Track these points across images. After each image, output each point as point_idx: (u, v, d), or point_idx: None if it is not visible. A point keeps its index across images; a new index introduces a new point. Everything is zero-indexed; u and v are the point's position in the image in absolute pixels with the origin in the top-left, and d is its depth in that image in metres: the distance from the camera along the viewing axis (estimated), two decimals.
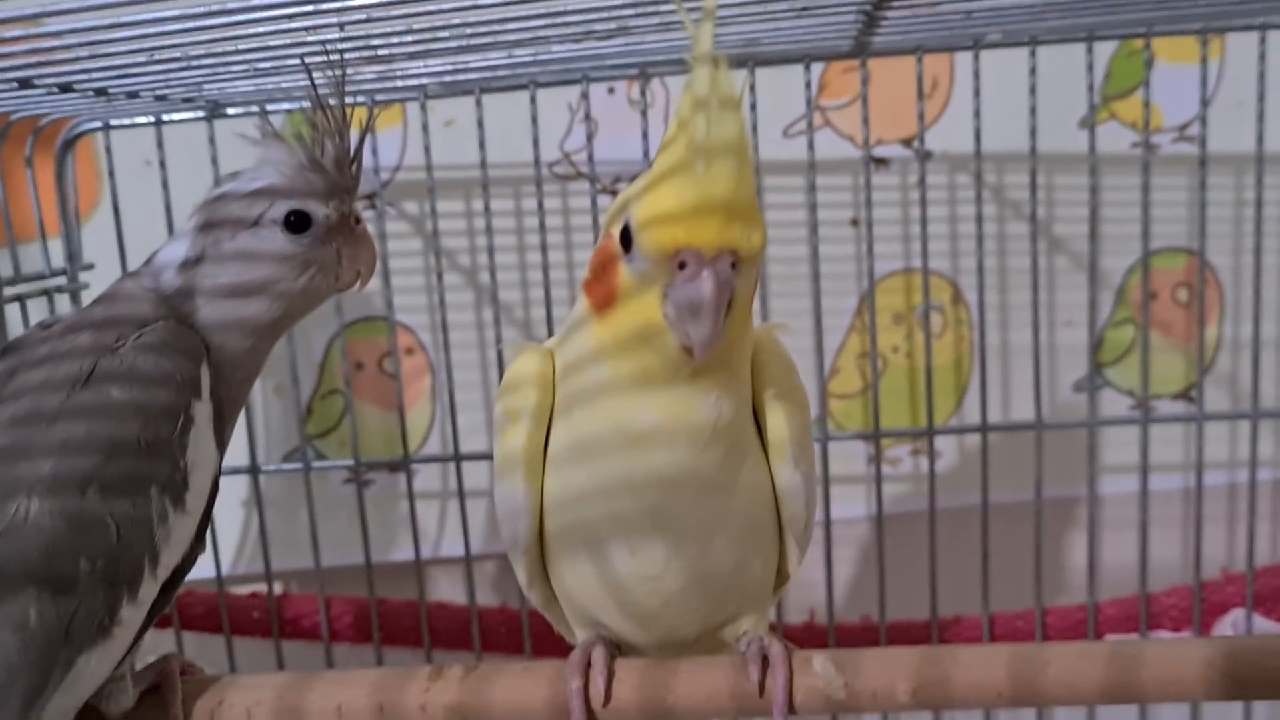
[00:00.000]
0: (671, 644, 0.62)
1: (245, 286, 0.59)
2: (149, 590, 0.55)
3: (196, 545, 0.59)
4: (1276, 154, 0.95)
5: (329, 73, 0.59)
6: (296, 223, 0.59)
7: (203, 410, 0.57)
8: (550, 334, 0.94)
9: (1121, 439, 1.04)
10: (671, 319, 0.51)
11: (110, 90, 0.76)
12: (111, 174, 0.92)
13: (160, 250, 0.62)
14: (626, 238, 0.52)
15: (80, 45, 0.61)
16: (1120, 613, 0.97)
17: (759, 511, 0.60)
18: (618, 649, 0.62)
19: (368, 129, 0.61)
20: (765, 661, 0.60)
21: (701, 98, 0.49)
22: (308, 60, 0.59)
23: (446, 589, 1.08)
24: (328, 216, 0.60)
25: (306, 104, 0.89)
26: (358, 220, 0.62)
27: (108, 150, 0.92)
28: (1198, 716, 1.00)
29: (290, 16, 0.57)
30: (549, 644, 1.00)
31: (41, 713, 0.52)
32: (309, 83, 0.59)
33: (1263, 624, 0.95)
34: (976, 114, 0.89)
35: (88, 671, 0.53)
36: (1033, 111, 0.89)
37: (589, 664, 0.60)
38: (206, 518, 0.59)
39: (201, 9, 0.55)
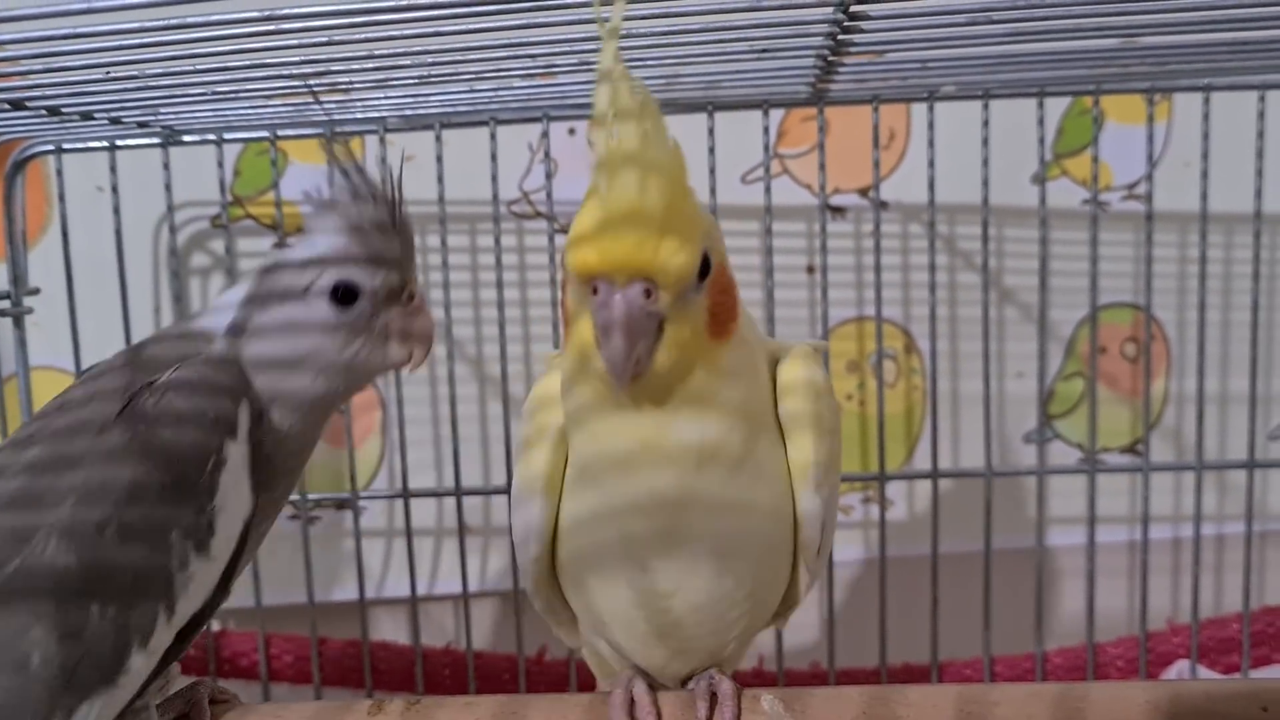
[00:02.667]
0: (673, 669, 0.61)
1: (289, 359, 0.56)
2: (162, 639, 0.52)
3: (220, 593, 0.56)
4: (1220, 213, 0.97)
5: (337, 147, 0.57)
6: (344, 294, 0.57)
7: (237, 451, 0.54)
8: (503, 373, 0.93)
9: (1069, 490, 1.05)
10: (598, 343, 0.50)
11: (64, 109, 0.75)
12: (62, 198, 0.91)
13: (201, 314, 0.60)
14: None
15: (33, 58, 0.60)
16: (1067, 662, 0.98)
17: (778, 535, 0.59)
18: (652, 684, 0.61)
19: (399, 197, 0.59)
20: (713, 699, 0.59)
21: (602, 113, 0.49)
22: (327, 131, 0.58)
23: (390, 630, 1.06)
24: (376, 289, 0.57)
25: (265, 135, 0.90)
26: (412, 296, 0.59)
27: (59, 173, 0.91)
28: None
29: (250, 35, 0.57)
30: (494, 687, 0.98)
31: None
32: (331, 151, 0.57)
33: (1207, 675, 0.95)
34: (931, 164, 0.91)
35: (88, 719, 0.50)
36: (985, 163, 0.91)
37: (632, 702, 0.59)
38: (235, 565, 0.56)
39: (159, 23, 0.54)
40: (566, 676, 0.98)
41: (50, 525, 0.50)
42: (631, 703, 0.59)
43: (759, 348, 0.59)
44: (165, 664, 0.54)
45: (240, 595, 0.98)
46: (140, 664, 0.52)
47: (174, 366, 0.54)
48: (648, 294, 0.49)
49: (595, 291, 0.50)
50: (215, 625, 0.99)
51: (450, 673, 0.99)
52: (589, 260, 0.49)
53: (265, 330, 0.57)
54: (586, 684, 0.95)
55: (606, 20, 0.49)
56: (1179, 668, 0.96)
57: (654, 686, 0.61)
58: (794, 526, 0.59)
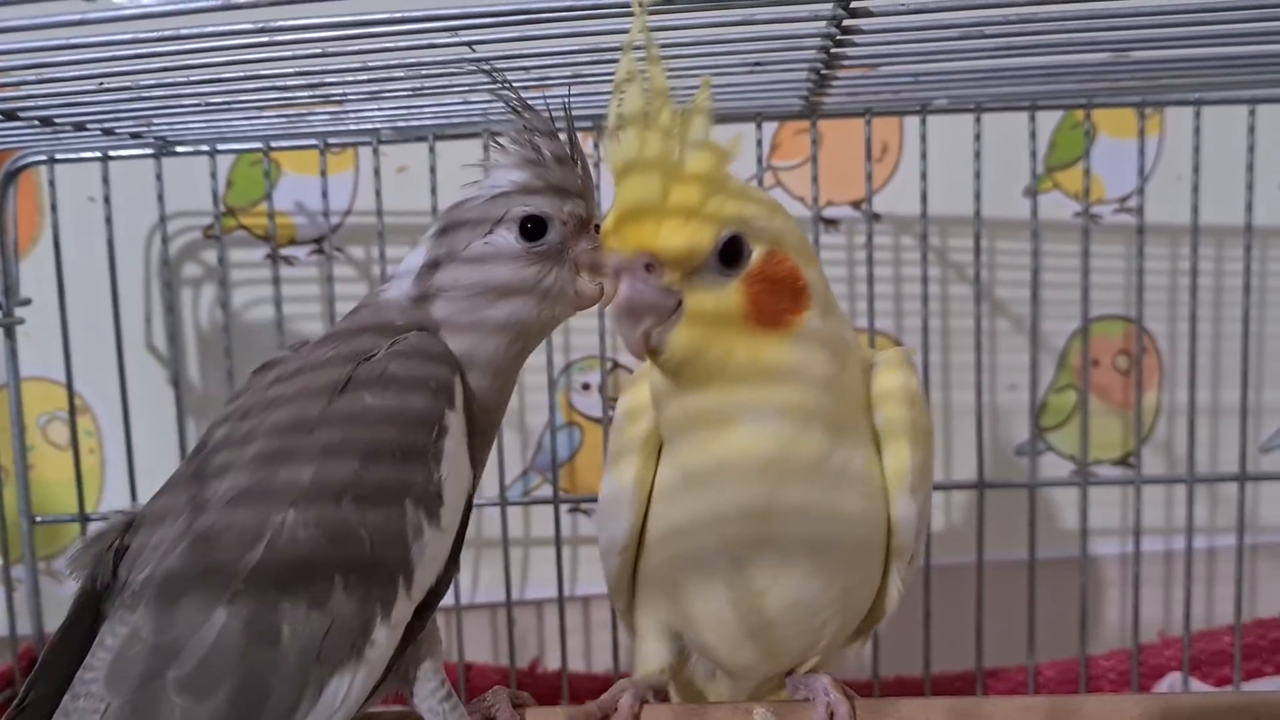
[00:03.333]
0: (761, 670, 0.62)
1: (479, 289, 0.55)
2: (403, 610, 0.52)
3: (450, 566, 0.55)
4: (1211, 225, 0.98)
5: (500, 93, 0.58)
6: (533, 226, 0.55)
7: (456, 420, 0.54)
8: None
9: (1062, 502, 1.05)
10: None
11: (56, 119, 0.75)
12: (54, 208, 0.91)
13: (388, 286, 0.59)
14: None
15: (26, 69, 0.60)
16: (1059, 675, 0.97)
17: (868, 539, 0.59)
18: (650, 696, 0.62)
19: (575, 133, 0.58)
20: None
21: (614, 120, 0.54)
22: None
23: None
24: (564, 220, 0.56)
25: (259, 146, 0.90)
26: (598, 229, 0.57)
27: (51, 184, 0.91)
28: None
29: (244, 47, 0.57)
30: None
31: None
32: (504, 96, 0.57)
33: (1199, 688, 0.95)
34: (923, 176, 0.91)
35: (339, 696, 0.50)
36: (977, 176, 0.91)
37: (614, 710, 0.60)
38: (460, 537, 0.56)
39: (153, 34, 0.54)
40: (559, 688, 0.97)
41: (290, 504, 0.50)
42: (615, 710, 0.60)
43: (851, 353, 0.58)
44: (406, 642, 0.54)
45: None
46: (384, 637, 0.51)
47: (390, 343, 0.54)
48: (649, 268, 0.52)
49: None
50: None
51: None
52: (607, 241, 0.54)
53: (454, 280, 0.56)
54: (579, 696, 0.95)
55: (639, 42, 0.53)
56: (1171, 680, 0.95)
57: (648, 699, 0.61)
58: (886, 532, 0.60)
